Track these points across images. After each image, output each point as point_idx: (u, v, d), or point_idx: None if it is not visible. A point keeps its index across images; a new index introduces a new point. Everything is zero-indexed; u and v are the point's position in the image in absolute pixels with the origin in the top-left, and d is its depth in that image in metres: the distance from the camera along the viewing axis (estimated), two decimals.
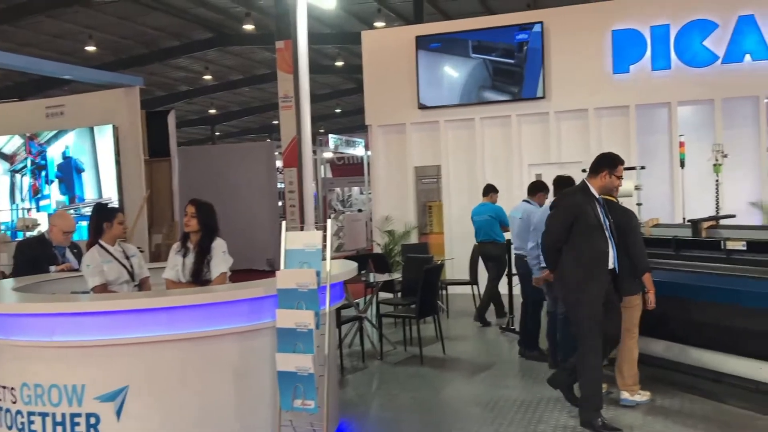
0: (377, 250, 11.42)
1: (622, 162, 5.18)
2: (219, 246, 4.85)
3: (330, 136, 20.80)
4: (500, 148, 11.48)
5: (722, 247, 5.73)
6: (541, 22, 10.98)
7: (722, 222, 6.68)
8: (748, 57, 10.15)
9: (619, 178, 5.16)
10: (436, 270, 7.51)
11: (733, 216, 7.13)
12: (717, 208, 8.35)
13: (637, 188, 8.61)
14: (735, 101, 10.36)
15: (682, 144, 8.90)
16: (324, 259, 4.30)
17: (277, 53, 13.29)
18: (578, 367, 4.97)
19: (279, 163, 16.06)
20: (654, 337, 5.90)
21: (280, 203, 16.20)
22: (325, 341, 4.25)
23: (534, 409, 5.40)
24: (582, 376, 4.96)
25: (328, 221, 4.33)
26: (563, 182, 6.50)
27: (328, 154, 22.91)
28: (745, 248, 5.60)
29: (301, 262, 4.25)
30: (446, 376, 6.60)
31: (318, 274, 4.17)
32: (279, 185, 16.55)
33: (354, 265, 5.16)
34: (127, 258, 5.14)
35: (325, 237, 4.28)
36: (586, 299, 4.85)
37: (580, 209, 4.92)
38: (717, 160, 8.16)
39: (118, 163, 10.98)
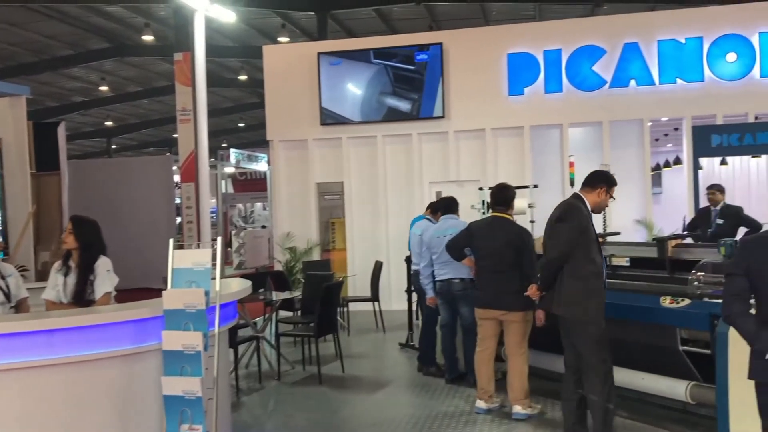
0: (278, 267, 11.26)
1: (616, 183, 5.03)
2: (103, 264, 4.62)
3: (231, 150, 20.43)
4: (402, 165, 11.61)
5: (608, 263, 5.98)
6: (440, 44, 11.22)
7: (609, 239, 6.99)
8: (633, 82, 10.74)
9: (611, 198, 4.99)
10: (336, 287, 7.47)
11: (618, 233, 7.47)
12: (604, 225, 8.74)
13: (530, 206, 8.93)
14: (621, 123, 10.93)
15: (572, 164, 9.29)
16: (214, 278, 4.18)
17: (175, 65, 12.93)
18: (599, 385, 4.64)
19: (177, 178, 15.59)
20: (545, 350, 6.07)
21: (178, 219, 15.71)
22: (214, 363, 4.11)
23: (430, 425, 5.43)
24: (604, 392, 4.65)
25: (218, 239, 4.21)
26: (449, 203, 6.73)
27: (229, 169, 22.46)
28: (628, 264, 5.86)
29: (189, 281, 4.10)
30: (344, 395, 6.55)
31: (207, 293, 4.04)
32: (177, 200, 16.07)
33: (248, 284, 5.04)
34: (3, 278, 4.81)
35: (215, 255, 4.15)
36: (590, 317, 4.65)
37: (588, 222, 4.74)
38: None
39: (1, 176, 10.33)
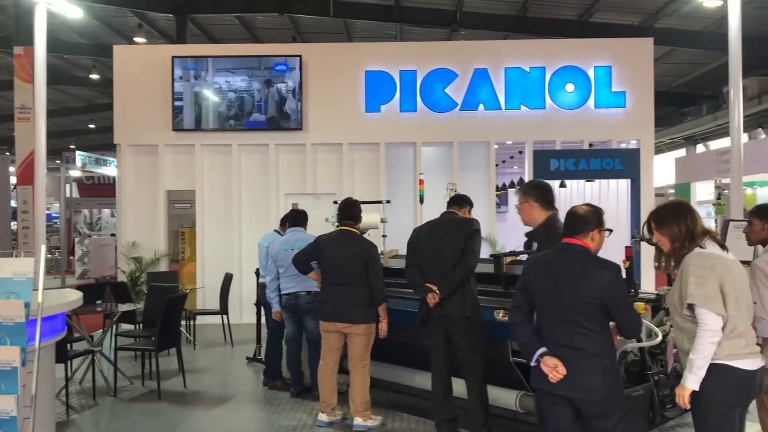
0: (122, 278, 10.72)
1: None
2: None
3: (77, 153, 19.25)
4: (257, 176, 11.46)
5: None
6: (299, 56, 11.23)
7: None
8: (482, 106, 11.28)
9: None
10: (179, 299, 7.22)
11: None
12: None
13: (383, 221, 9.09)
14: (470, 145, 11.43)
15: (421, 181, 9.58)
16: (36, 288, 3.90)
17: (15, 59, 12.08)
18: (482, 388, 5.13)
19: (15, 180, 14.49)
20: (387, 362, 6.20)
21: (14, 224, 14.58)
22: (33, 380, 3.84)
23: None
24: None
25: (42, 247, 3.94)
26: (297, 216, 6.76)
27: (75, 172, 21.15)
28: None
29: (7, 292, 3.81)
30: (184, 411, 6.32)
31: (28, 305, 3.77)
32: (14, 204, 14.92)
33: (77, 295, 4.76)
34: None
35: (38, 264, 3.88)
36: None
37: None
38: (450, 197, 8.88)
39: None
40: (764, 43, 16.26)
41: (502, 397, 5.44)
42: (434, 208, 10.33)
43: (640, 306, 5.31)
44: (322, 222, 8.92)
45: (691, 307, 3.04)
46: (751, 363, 3.03)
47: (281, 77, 11.22)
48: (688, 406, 3.06)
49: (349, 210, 5.91)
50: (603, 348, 3.35)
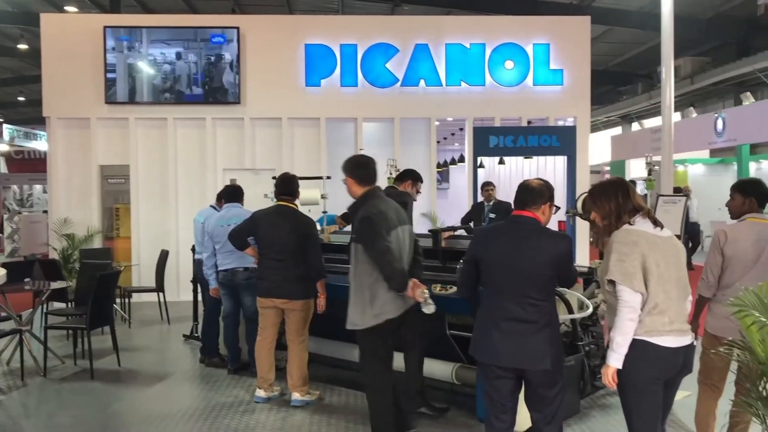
0: (54, 255, 10.37)
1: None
2: None
3: (5, 126, 18.46)
4: (194, 150, 11.20)
5: None
6: (237, 28, 10.97)
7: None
8: (422, 82, 11.27)
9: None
10: (112, 276, 7.03)
11: None
12: None
13: (323, 197, 9.02)
14: (411, 121, 11.43)
15: None
16: None
17: None
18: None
19: None
20: (326, 337, 6.21)
21: None
22: None
23: (206, 417, 5.31)
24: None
25: None
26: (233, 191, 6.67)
27: (4, 147, 20.32)
28: None
29: None
30: (118, 390, 6.19)
31: None
32: None
33: (0, 272, 4.57)
34: None
35: None
36: None
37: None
38: (390, 173, 8.88)
39: None
40: (698, 24, 16.77)
41: (439, 369, 5.52)
42: (378, 184, 10.37)
43: None
44: (260, 198, 8.78)
45: (612, 283, 3.09)
46: (673, 340, 3.07)
47: (218, 49, 10.95)
48: (614, 386, 3.12)
49: (287, 185, 5.84)
50: (551, 319, 3.42)
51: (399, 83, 11.22)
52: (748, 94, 16.10)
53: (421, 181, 5.69)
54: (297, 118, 11.22)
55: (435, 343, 5.38)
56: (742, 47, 18.82)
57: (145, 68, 10.97)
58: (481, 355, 3.49)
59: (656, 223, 3.22)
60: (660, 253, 3.10)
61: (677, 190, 11.38)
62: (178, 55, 10.96)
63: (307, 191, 8.31)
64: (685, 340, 3.11)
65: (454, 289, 5.23)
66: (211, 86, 11.00)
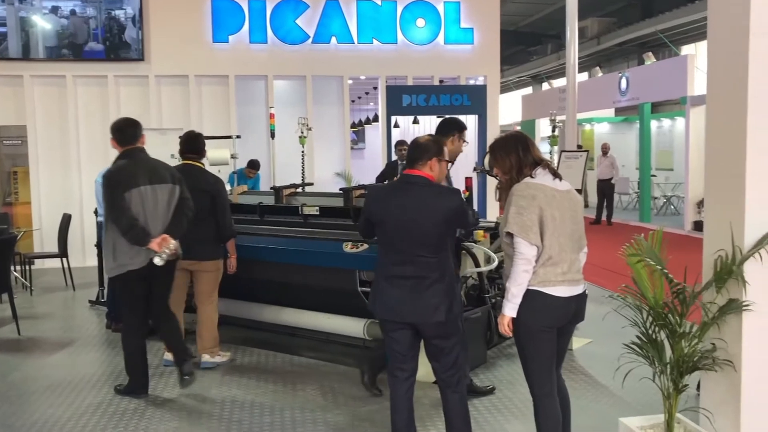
0: None
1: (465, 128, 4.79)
2: None
3: None
4: (96, 110, 10.69)
5: (300, 212, 6.18)
6: None
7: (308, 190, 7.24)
8: (334, 39, 11.11)
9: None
10: (8, 242, 6.69)
11: (311, 184, 7.76)
12: (303, 176, 9.01)
13: (233, 156, 8.84)
14: (324, 79, 11.29)
15: (272, 116, 9.37)
16: None
17: None
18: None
19: None
20: (238, 299, 6.14)
21: None
22: None
23: (112, 382, 5.18)
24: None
25: None
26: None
27: None
28: (318, 213, 6.12)
29: None
30: (18, 359, 5.93)
31: None
32: None
33: None
34: None
35: None
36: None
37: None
38: (302, 132, 8.79)
39: None
40: None
41: (351, 326, 5.57)
42: (286, 143, 10.24)
43: (479, 234, 5.57)
44: (167, 159, 8.49)
45: (510, 235, 3.16)
46: (565, 290, 3.16)
47: (119, 3, 10.42)
48: (509, 333, 3.23)
49: (192, 143, 5.67)
50: (445, 273, 3.46)
51: (310, 40, 11.04)
52: (650, 54, 16.71)
53: (466, 128, 5.13)
54: (204, 76, 10.89)
55: (346, 300, 5.43)
56: (646, 8, 19.50)
57: (40, 22, 10.34)
58: (379, 311, 3.53)
59: (556, 174, 3.30)
60: (557, 207, 3.18)
61: (580, 147, 11.77)
62: (75, 9, 10.37)
63: (216, 151, 8.12)
64: (577, 289, 3.23)
65: (366, 246, 5.27)
66: (113, 42, 10.49)
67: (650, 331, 3.42)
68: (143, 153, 4.85)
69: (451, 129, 4.66)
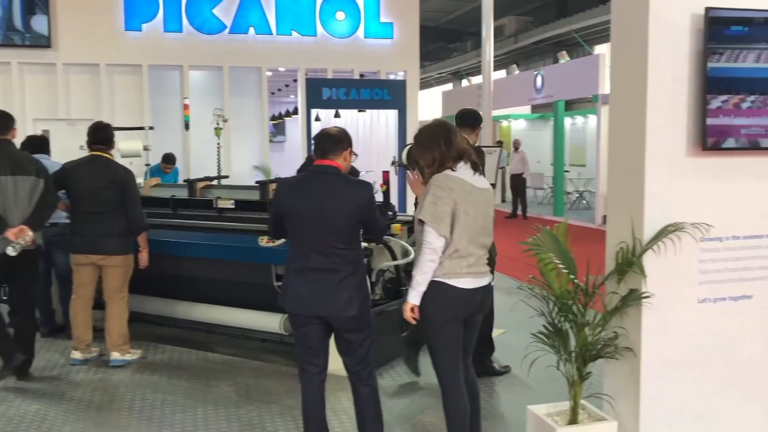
0: None
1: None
2: None
3: None
4: None
5: (214, 206, 6.05)
6: None
7: (223, 183, 7.10)
8: (252, 30, 10.94)
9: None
10: None
11: (227, 177, 7.63)
12: (219, 169, 8.85)
13: (146, 148, 8.61)
14: (241, 70, 11.11)
15: (186, 106, 9.17)
16: None
17: None
18: None
19: None
20: (150, 294, 5.97)
21: None
22: None
23: (14, 383, 4.94)
24: None
25: None
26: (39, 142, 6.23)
27: None
28: (233, 206, 6.01)
29: None
30: None
31: None
32: None
33: None
34: None
35: None
36: None
37: None
38: (218, 124, 8.63)
39: None
40: None
41: (267, 321, 5.50)
42: (202, 135, 10.03)
43: (396, 227, 5.61)
44: (77, 150, 8.18)
45: (422, 223, 3.20)
46: (470, 282, 3.22)
47: None
48: (412, 320, 3.26)
49: (100, 133, 5.46)
50: (356, 266, 3.45)
51: (227, 30, 10.84)
52: (565, 53, 17.23)
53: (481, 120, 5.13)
54: (116, 65, 10.52)
55: (262, 295, 5.36)
56: (561, 8, 20.07)
57: None
58: (288, 305, 3.49)
59: (476, 169, 3.35)
60: (471, 203, 3.23)
61: (499, 143, 12.03)
62: None
63: (128, 142, 7.88)
64: (482, 281, 3.30)
65: (282, 240, 5.21)
66: (16, 28, 9.98)
67: (556, 321, 3.52)
68: (10, 145, 4.97)
69: (478, 121, 4.95)
